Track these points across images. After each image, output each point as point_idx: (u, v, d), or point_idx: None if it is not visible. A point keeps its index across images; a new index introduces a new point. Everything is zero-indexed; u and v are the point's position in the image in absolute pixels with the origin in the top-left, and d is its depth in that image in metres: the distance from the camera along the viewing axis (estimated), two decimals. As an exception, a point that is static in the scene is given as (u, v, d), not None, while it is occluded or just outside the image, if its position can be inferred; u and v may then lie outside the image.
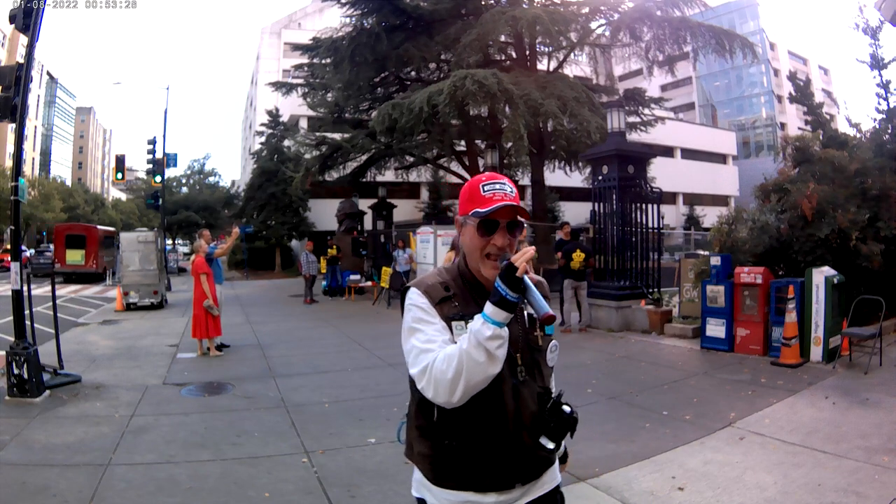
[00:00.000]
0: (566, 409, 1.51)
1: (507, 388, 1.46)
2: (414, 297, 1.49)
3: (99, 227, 27.97)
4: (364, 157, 20.66)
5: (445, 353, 1.36)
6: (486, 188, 1.49)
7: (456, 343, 1.38)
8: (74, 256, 23.69)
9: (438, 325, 1.45)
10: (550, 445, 1.49)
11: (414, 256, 14.16)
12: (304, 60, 21.36)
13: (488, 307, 1.33)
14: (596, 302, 9.70)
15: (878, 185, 7.91)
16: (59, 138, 73.70)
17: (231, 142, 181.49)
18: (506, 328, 1.34)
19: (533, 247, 1.47)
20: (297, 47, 23.32)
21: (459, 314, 1.47)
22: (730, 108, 54.24)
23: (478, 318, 1.34)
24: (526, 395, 1.50)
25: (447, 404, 1.37)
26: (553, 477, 1.62)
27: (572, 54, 19.06)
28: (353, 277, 16.09)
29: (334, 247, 16.76)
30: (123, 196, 77.81)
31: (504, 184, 1.51)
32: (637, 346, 8.09)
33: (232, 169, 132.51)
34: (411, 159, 22.20)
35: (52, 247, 27.14)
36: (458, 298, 1.50)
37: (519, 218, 1.49)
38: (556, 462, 1.64)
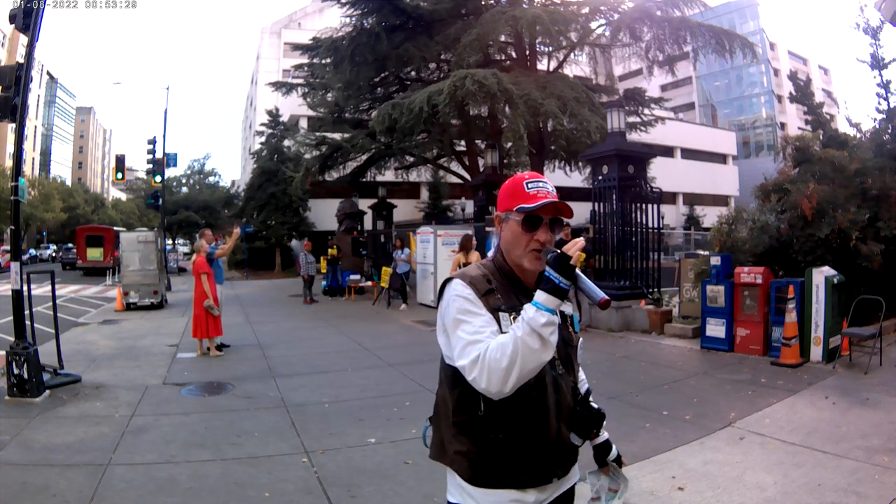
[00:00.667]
0: (594, 405, 1.54)
1: (549, 381, 1.49)
2: (459, 288, 1.49)
3: (114, 227, 30.79)
4: (364, 157, 20.66)
5: (498, 343, 1.37)
6: (529, 186, 1.56)
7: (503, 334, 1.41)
8: (94, 253, 27.61)
9: (486, 316, 1.45)
10: (579, 441, 1.53)
11: (413, 256, 14.17)
12: (304, 60, 21.38)
13: (540, 295, 1.36)
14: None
15: (878, 185, 7.91)
16: (59, 138, 73.70)
17: (231, 142, 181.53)
18: (557, 315, 1.37)
19: (581, 238, 1.50)
20: (297, 47, 23.33)
21: (506, 306, 1.49)
22: (730, 108, 54.23)
23: (529, 306, 1.37)
24: (564, 388, 1.54)
25: (498, 394, 1.37)
26: (575, 472, 1.64)
27: (572, 54, 19.06)
28: (353, 277, 16.09)
29: (335, 247, 16.76)
30: (123, 196, 77.82)
31: (546, 183, 1.58)
32: (637, 346, 8.09)
33: (232, 169, 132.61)
34: (411, 159, 22.21)
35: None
36: (499, 291, 1.52)
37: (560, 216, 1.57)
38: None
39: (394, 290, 13.36)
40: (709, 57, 17.63)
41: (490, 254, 1.67)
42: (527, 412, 1.46)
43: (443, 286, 1.55)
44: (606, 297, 1.41)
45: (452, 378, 1.50)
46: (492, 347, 1.37)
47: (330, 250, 16.55)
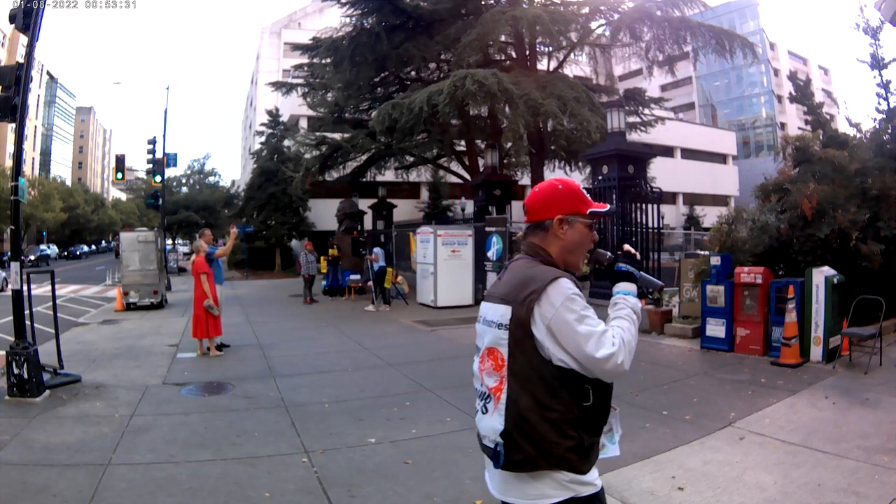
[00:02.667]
0: None
1: None
2: (573, 286, 1.60)
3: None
4: (364, 157, 20.65)
5: (620, 328, 1.59)
6: (585, 192, 1.77)
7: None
8: None
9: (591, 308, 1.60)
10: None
11: (413, 256, 14.15)
12: (304, 60, 21.36)
13: (624, 285, 1.70)
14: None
15: (878, 185, 7.90)
16: (59, 138, 73.68)
17: (231, 142, 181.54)
18: None
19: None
20: (297, 47, 23.30)
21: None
22: (730, 108, 54.23)
23: (619, 294, 1.70)
24: None
25: (624, 374, 1.55)
26: None
27: (572, 54, 19.05)
28: (353, 277, 16.06)
29: (335, 247, 16.75)
30: (123, 196, 77.91)
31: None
32: (637, 346, 8.06)
33: (232, 169, 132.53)
34: (411, 159, 22.20)
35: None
36: None
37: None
38: None
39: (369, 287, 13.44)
40: (709, 57, 17.62)
41: (523, 256, 1.74)
42: (610, 390, 1.65)
43: (545, 287, 1.56)
44: (662, 284, 1.67)
45: (560, 378, 1.56)
46: (623, 332, 1.57)
47: (331, 250, 16.54)
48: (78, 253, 49.52)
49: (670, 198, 35.84)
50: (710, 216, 28.42)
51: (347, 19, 18.05)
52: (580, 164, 18.67)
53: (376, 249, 13.53)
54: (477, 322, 1.80)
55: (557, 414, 1.55)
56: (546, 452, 1.55)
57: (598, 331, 1.52)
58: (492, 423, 1.63)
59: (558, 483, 1.56)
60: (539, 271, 1.63)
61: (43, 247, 42.67)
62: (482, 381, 1.71)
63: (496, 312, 1.66)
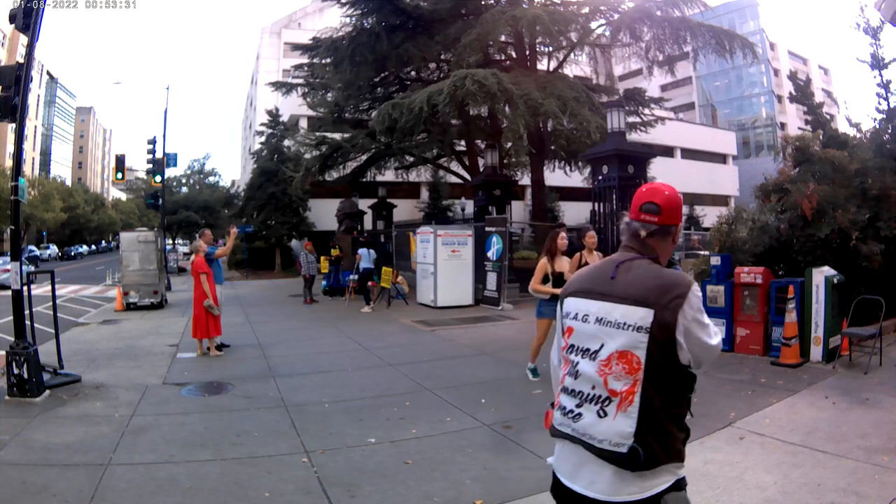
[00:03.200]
0: None
1: None
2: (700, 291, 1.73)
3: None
4: (364, 157, 20.68)
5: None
6: None
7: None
8: None
9: None
10: None
11: (413, 256, 14.15)
12: (304, 60, 21.39)
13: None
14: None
15: (878, 185, 7.90)
16: (59, 138, 73.71)
17: (231, 142, 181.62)
18: None
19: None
20: (297, 47, 23.34)
21: None
22: (730, 108, 54.24)
23: None
24: None
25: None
26: None
27: (572, 54, 19.07)
28: (353, 277, 16.06)
29: (337, 247, 16.75)
30: (123, 196, 77.95)
31: None
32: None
33: (232, 169, 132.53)
34: (411, 159, 22.22)
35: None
36: None
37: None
38: None
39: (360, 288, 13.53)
40: (709, 57, 17.65)
41: (638, 255, 1.76)
42: None
43: (687, 293, 1.64)
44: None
45: (684, 376, 1.68)
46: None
47: (333, 251, 16.54)
48: (73, 254, 48.01)
49: (670, 198, 35.75)
50: (710, 216, 28.40)
51: (347, 19, 18.07)
52: (580, 164, 18.70)
53: (360, 250, 13.55)
54: (576, 321, 1.74)
55: (679, 410, 1.67)
56: (668, 448, 1.61)
57: (710, 321, 1.71)
58: (616, 426, 1.60)
59: (669, 472, 1.63)
60: (673, 275, 1.69)
61: (32, 247, 41.12)
62: (605, 384, 1.64)
63: (632, 315, 1.62)
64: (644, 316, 1.60)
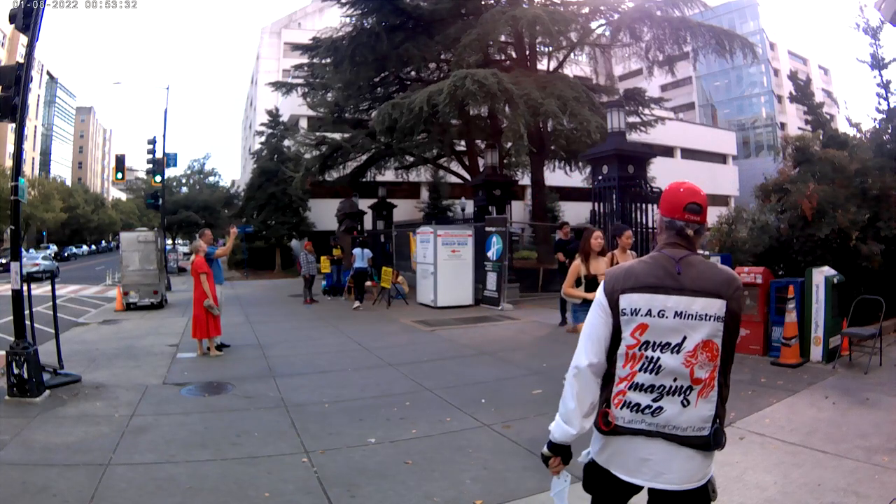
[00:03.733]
0: None
1: None
2: None
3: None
4: (364, 157, 20.69)
5: None
6: None
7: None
8: None
9: None
10: None
11: (413, 256, 14.15)
12: (304, 60, 21.39)
13: None
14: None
15: (878, 185, 7.90)
16: (59, 138, 73.71)
17: (231, 142, 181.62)
18: None
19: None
20: (297, 47, 23.34)
21: None
22: (730, 108, 54.22)
23: None
24: None
25: None
26: None
27: (572, 54, 19.08)
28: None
29: (338, 247, 16.74)
30: (123, 196, 77.94)
31: None
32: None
33: (232, 169, 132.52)
34: (411, 159, 22.22)
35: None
36: None
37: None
38: None
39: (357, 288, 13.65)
40: (709, 57, 17.65)
41: (692, 252, 1.83)
42: None
43: (741, 284, 1.82)
44: None
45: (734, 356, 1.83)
46: None
47: (335, 251, 16.53)
48: (66, 255, 45.74)
49: (670, 198, 35.75)
50: (710, 216, 28.34)
51: (347, 19, 18.07)
52: (580, 163, 18.70)
53: (354, 250, 13.64)
54: (649, 317, 1.76)
55: (728, 391, 1.80)
56: (723, 424, 1.79)
57: None
58: (701, 412, 1.73)
59: (710, 456, 1.79)
60: (728, 269, 1.83)
61: (52, 245, 40.85)
62: (690, 375, 1.73)
63: (712, 306, 1.73)
64: (720, 306, 1.73)
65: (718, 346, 1.73)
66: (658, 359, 1.74)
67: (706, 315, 1.72)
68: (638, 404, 1.75)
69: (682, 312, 1.73)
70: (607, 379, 1.82)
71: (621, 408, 1.77)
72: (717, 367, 1.73)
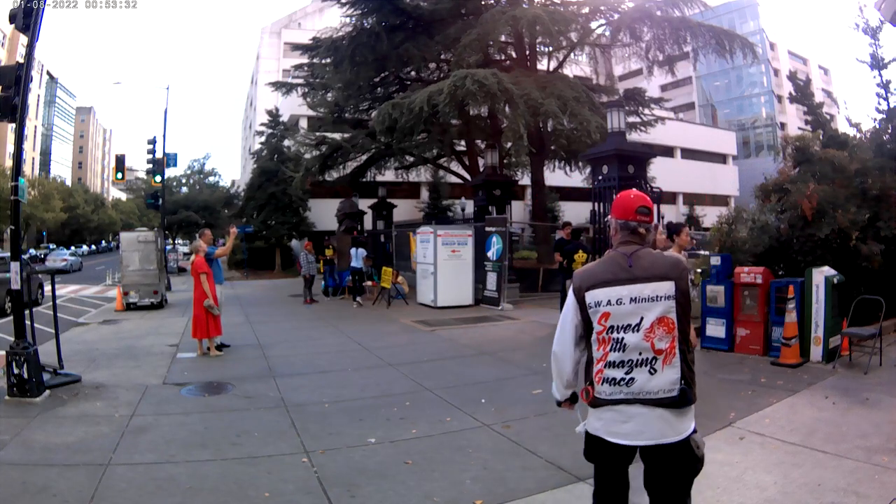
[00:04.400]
0: None
1: None
2: None
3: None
4: (364, 157, 20.68)
5: None
6: None
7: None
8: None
9: None
10: None
11: (413, 256, 14.15)
12: (304, 60, 21.39)
13: None
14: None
15: (878, 185, 7.89)
16: (59, 138, 73.71)
17: (231, 142, 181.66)
18: None
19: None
20: (297, 47, 23.34)
21: None
22: (730, 108, 54.23)
23: None
24: None
25: None
26: None
27: (572, 54, 19.07)
28: (348, 277, 16.05)
29: (331, 247, 16.68)
30: (123, 196, 77.95)
31: None
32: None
33: (232, 169, 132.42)
34: (411, 159, 22.22)
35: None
36: None
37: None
38: None
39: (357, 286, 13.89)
40: (709, 57, 17.64)
41: (643, 247, 2.18)
42: None
43: (686, 266, 2.19)
44: None
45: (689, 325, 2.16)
46: None
47: (327, 251, 16.48)
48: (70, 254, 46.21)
49: (670, 198, 35.84)
50: (710, 216, 28.43)
51: (347, 19, 18.06)
52: (580, 164, 18.70)
53: (352, 250, 13.68)
54: (610, 306, 2.11)
55: (692, 355, 2.12)
56: (693, 386, 2.09)
57: None
58: (668, 376, 2.05)
59: (692, 415, 2.11)
60: (673, 256, 2.20)
61: (66, 248, 41.40)
62: (652, 347, 2.05)
63: (661, 288, 2.07)
64: (670, 287, 2.08)
65: (674, 321, 2.06)
66: (623, 339, 2.08)
67: (657, 296, 2.06)
68: (614, 378, 2.09)
69: (636, 297, 2.08)
70: (589, 362, 2.20)
71: (602, 383, 2.11)
72: (675, 337, 2.06)
